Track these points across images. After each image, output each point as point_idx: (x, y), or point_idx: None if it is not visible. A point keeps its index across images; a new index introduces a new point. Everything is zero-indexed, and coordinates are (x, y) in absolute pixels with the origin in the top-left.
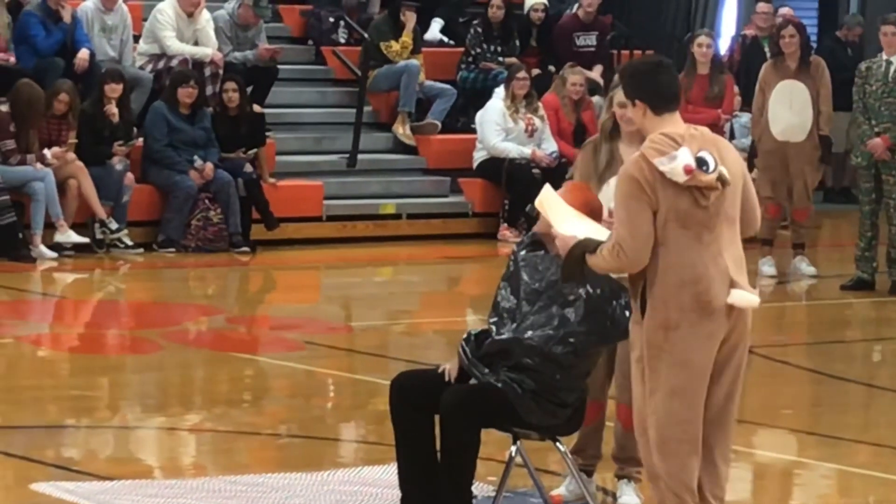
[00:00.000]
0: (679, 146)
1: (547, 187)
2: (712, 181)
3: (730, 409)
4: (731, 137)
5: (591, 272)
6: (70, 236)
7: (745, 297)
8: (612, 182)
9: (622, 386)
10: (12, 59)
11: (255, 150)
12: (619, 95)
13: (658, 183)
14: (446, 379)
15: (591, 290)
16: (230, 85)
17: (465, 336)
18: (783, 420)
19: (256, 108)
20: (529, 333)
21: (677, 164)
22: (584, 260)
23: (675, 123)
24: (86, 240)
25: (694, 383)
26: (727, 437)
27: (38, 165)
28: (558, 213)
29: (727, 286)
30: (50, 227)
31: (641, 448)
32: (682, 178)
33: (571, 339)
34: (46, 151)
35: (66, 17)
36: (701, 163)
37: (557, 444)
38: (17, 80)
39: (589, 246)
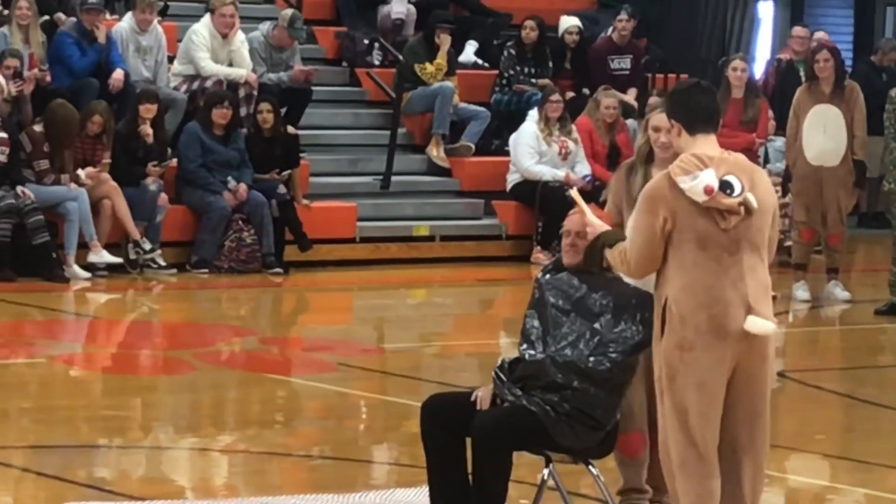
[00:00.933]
0: (706, 167)
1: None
2: (733, 205)
3: (756, 438)
4: (766, 162)
5: (619, 282)
6: (103, 256)
7: (760, 324)
8: None
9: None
10: (48, 78)
11: (289, 172)
12: (654, 119)
13: (678, 202)
14: (478, 407)
15: (617, 301)
16: (265, 106)
17: (498, 364)
18: (816, 445)
19: (290, 129)
20: (561, 350)
21: (698, 183)
22: (603, 250)
23: (709, 145)
24: (119, 260)
25: (707, 405)
26: (756, 465)
27: (72, 185)
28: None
29: (744, 311)
30: (83, 247)
31: (664, 468)
32: (701, 197)
33: (604, 350)
34: (80, 171)
35: (101, 38)
36: (725, 186)
37: (590, 467)
38: (52, 101)
39: (609, 239)
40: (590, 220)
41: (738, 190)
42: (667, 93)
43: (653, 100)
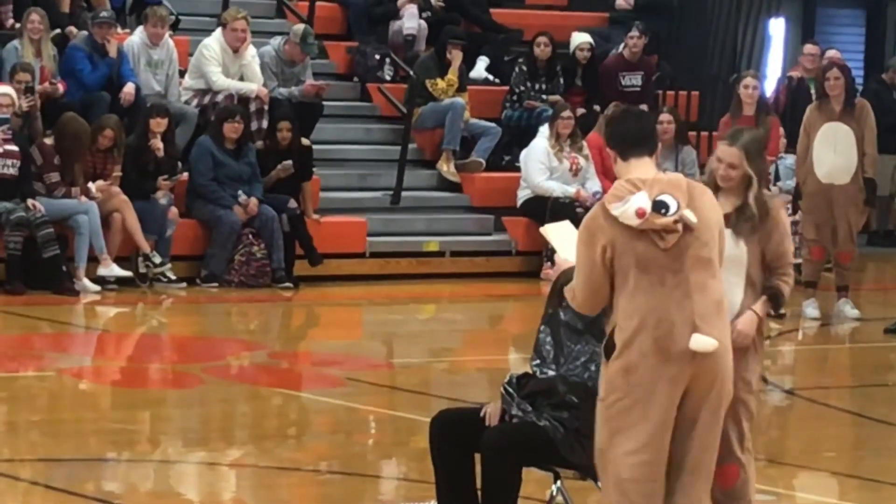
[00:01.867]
0: (638, 191)
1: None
2: (668, 223)
3: (705, 460)
4: (777, 179)
5: None
6: (113, 270)
7: (703, 342)
8: None
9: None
10: (61, 88)
11: (289, 162)
12: (719, 150)
13: (614, 229)
14: (487, 423)
15: None
16: (284, 124)
17: (506, 379)
18: (825, 463)
19: (305, 141)
20: (573, 370)
21: (629, 206)
22: (562, 288)
23: (642, 168)
24: (129, 273)
25: (654, 427)
26: (699, 485)
27: (83, 198)
28: (564, 240)
29: (690, 330)
30: (93, 260)
31: (602, 489)
32: (634, 220)
33: None
34: (91, 185)
35: (112, 52)
36: (660, 205)
37: (599, 483)
38: (63, 114)
39: (569, 277)
40: (557, 259)
41: (673, 208)
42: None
43: (663, 115)
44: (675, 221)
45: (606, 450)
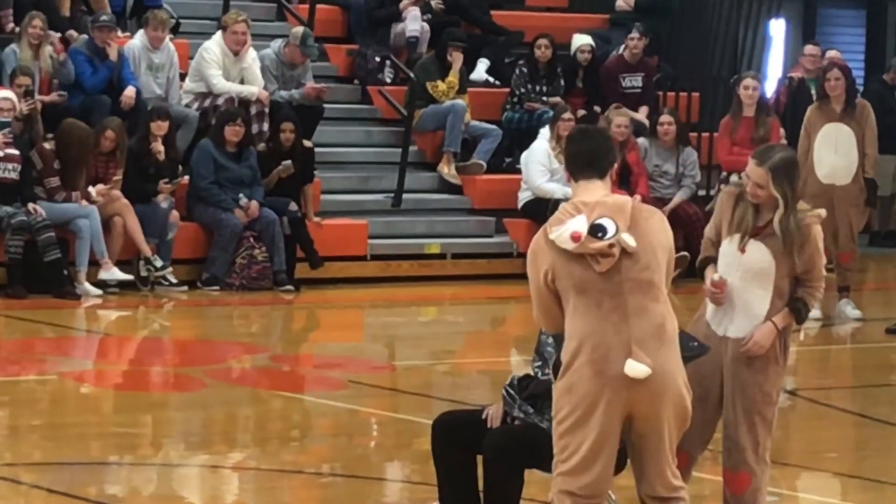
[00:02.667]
0: (579, 214)
1: None
2: (602, 248)
3: (663, 475)
4: None
5: None
6: (114, 273)
7: (635, 368)
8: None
9: (727, 449)
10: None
11: (289, 162)
12: (747, 167)
13: (553, 252)
14: (489, 425)
15: None
16: (287, 126)
17: (508, 381)
18: (827, 463)
19: (307, 142)
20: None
21: (565, 230)
22: None
23: (590, 191)
24: (129, 277)
25: (593, 448)
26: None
27: (84, 203)
28: None
29: (626, 355)
30: (94, 264)
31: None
32: (569, 244)
33: None
34: (91, 189)
35: (113, 55)
36: (597, 229)
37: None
38: (64, 118)
39: None
40: None
41: (610, 232)
42: None
43: (665, 120)
44: (611, 245)
45: (555, 466)
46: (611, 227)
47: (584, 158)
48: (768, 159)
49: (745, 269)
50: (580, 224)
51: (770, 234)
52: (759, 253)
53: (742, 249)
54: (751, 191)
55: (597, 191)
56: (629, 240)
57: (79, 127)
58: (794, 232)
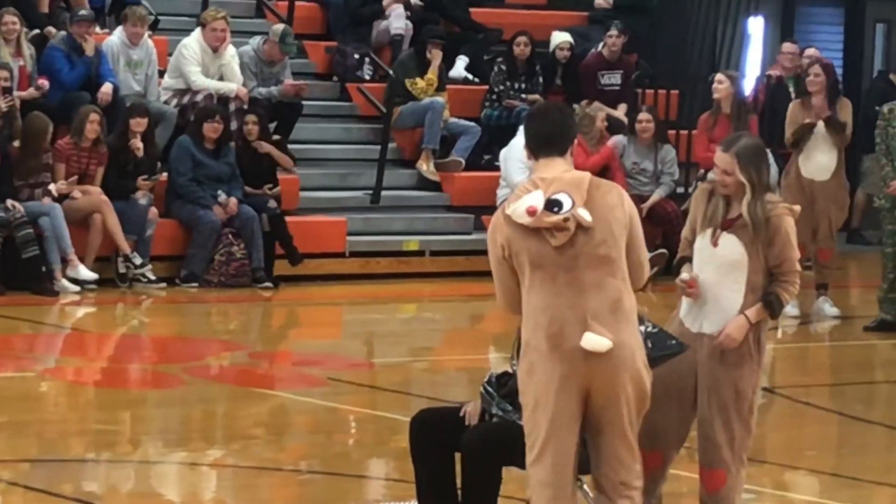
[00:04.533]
0: (536, 189)
1: None
2: (557, 222)
3: (618, 460)
4: None
5: None
6: (80, 272)
7: (594, 341)
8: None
9: (702, 447)
10: (46, 84)
11: (278, 189)
12: (715, 155)
13: (510, 227)
14: (467, 423)
15: None
16: (250, 118)
17: (486, 378)
18: (806, 461)
19: (276, 137)
20: None
21: (520, 204)
22: None
23: (550, 168)
24: (95, 276)
25: (553, 429)
26: (621, 483)
27: (46, 200)
28: None
29: (581, 329)
30: (82, 261)
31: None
32: (524, 218)
33: None
34: (52, 186)
35: (89, 50)
36: (553, 204)
37: (580, 482)
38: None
39: None
40: None
41: (566, 207)
42: None
43: (642, 114)
44: (566, 220)
45: (527, 456)
46: (567, 202)
47: (543, 137)
48: (734, 145)
49: (718, 262)
50: (536, 199)
51: (741, 226)
52: (731, 245)
53: (714, 243)
54: (719, 179)
55: (555, 168)
56: (585, 214)
57: (37, 118)
58: (763, 218)
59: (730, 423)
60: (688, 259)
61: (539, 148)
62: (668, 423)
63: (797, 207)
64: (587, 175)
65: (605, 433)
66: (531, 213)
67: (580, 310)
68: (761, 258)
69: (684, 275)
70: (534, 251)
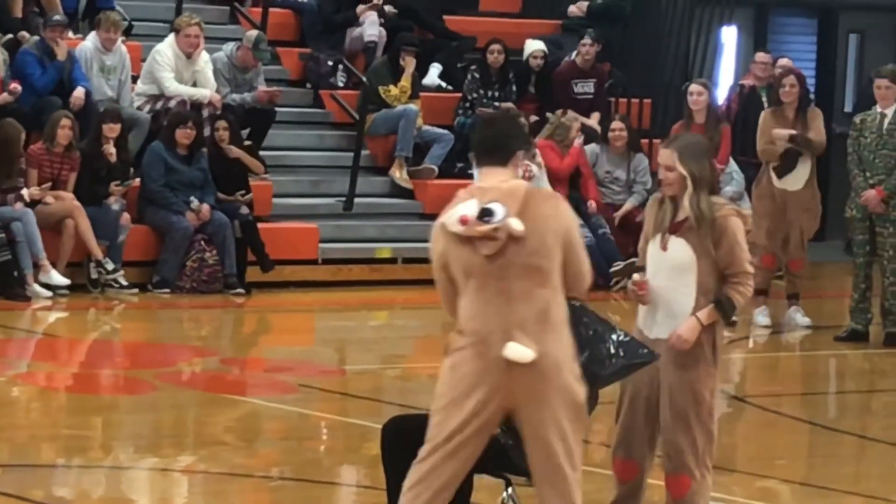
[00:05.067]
0: (471, 198)
1: None
2: (486, 231)
3: (560, 472)
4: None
5: (586, 313)
6: (52, 277)
7: (517, 351)
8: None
9: (666, 453)
10: (19, 88)
11: (250, 196)
12: (661, 156)
13: (445, 236)
14: None
15: (584, 331)
16: (221, 124)
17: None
18: (776, 470)
19: (246, 142)
20: None
21: (454, 213)
22: None
23: (489, 177)
24: (67, 281)
25: (457, 432)
26: (559, 496)
27: (18, 205)
28: None
29: (506, 339)
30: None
31: None
32: (457, 227)
33: None
34: (24, 191)
35: (61, 55)
36: (485, 213)
37: (510, 485)
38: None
39: None
40: None
41: (498, 216)
42: None
43: (615, 123)
44: (495, 229)
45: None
46: (499, 212)
47: (486, 145)
48: (675, 142)
49: (668, 266)
50: (470, 208)
51: (689, 229)
52: (679, 248)
53: (664, 247)
54: (662, 177)
55: (497, 177)
56: (516, 224)
57: (9, 124)
58: (707, 215)
59: (690, 428)
60: (642, 268)
61: (481, 156)
62: (639, 431)
63: (747, 211)
64: (523, 185)
65: (534, 443)
66: (463, 222)
67: (506, 319)
68: (711, 260)
69: (635, 276)
70: (466, 260)
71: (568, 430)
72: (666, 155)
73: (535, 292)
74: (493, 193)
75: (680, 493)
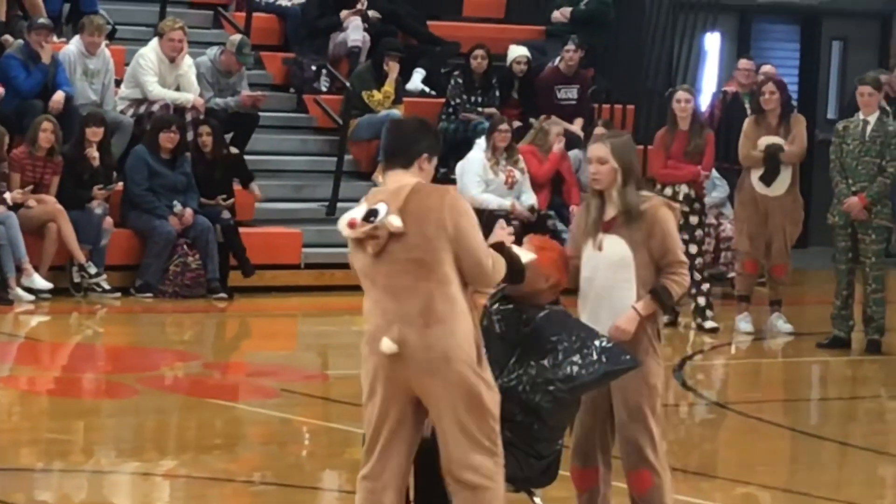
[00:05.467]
0: (364, 203)
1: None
2: (367, 230)
3: (453, 470)
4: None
5: (568, 319)
6: (34, 281)
7: (385, 345)
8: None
9: (625, 451)
10: (1, 90)
11: (232, 201)
12: (588, 151)
13: (349, 243)
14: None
15: (566, 338)
16: (204, 129)
17: None
18: (758, 476)
19: (232, 149)
20: (506, 384)
21: (343, 218)
22: None
23: (392, 180)
24: (50, 285)
25: (379, 425)
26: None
27: (1, 209)
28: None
29: (390, 334)
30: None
31: None
32: (346, 231)
33: (550, 388)
34: (7, 195)
35: (45, 58)
36: (370, 214)
37: (533, 496)
38: None
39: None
40: None
41: (381, 215)
42: None
43: (598, 130)
44: (375, 228)
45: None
46: (382, 211)
47: (389, 150)
48: (606, 137)
49: (605, 265)
50: (358, 211)
51: (620, 224)
52: (614, 245)
53: (599, 247)
54: (593, 171)
55: (399, 180)
56: (394, 220)
57: None
58: (636, 206)
59: (647, 421)
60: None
61: (386, 160)
62: (593, 436)
63: (676, 205)
64: (411, 183)
65: (441, 432)
66: (351, 225)
67: (392, 315)
68: (646, 252)
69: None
70: (361, 262)
71: (467, 422)
72: (599, 149)
73: (419, 286)
74: (382, 195)
75: (643, 488)
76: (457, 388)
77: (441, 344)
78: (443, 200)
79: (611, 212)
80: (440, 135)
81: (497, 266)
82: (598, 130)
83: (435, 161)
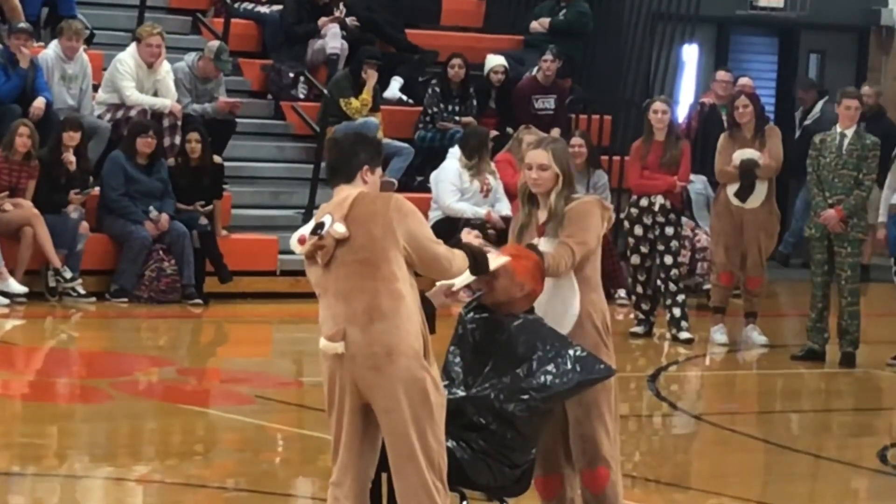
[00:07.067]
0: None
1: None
2: (315, 242)
3: (408, 468)
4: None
5: (543, 327)
6: (10, 285)
7: (323, 345)
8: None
9: (580, 449)
10: None
11: (211, 207)
12: (527, 156)
13: (305, 262)
14: None
15: (540, 347)
16: (193, 136)
17: None
18: (731, 488)
19: (217, 158)
20: (482, 392)
21: (294, 237)
22: None
23: (339, 194)
24: (25, 289)
25: (336, 435)
26: (411, 492)
27: None
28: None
29: (340, 336)
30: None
31: None
32: (297, 249)
33: (524, 397)
34: None
35: (24, 63)
36: (318, 227)
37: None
38: None
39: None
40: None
41: (327, 226)
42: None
43: (529, 137)
44: (321, 238)
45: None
46: (328, 222)
47: (330, 168)
48: (544, 143)
49: None
50: (306, 228)
51: (552, 226)
52: (549, 248)
53: None
54: (535, 176)
55: (339, 194)
56: (338, 227)
57: None
58: (562, 212)
59: (602, 416)
60: None
61: (329, 178)
62: (552, 441)
63: (610, 205)
64: (355, 192)
65: (385, 435)
66: (301, 241)
67: (341, 318)
68: None
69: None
70: (314, 275)
71: (426, 427)
72: (541, 155)
73: (365, 285)
74: (327, 207)
75: (601, 486)
76: (404, 384)
77: (384, 339)
78: (387, 205)
79: (543, 214)
80: (381, 145)
81: (456, 258)
82: (529, 137)
83: (378, 171)
